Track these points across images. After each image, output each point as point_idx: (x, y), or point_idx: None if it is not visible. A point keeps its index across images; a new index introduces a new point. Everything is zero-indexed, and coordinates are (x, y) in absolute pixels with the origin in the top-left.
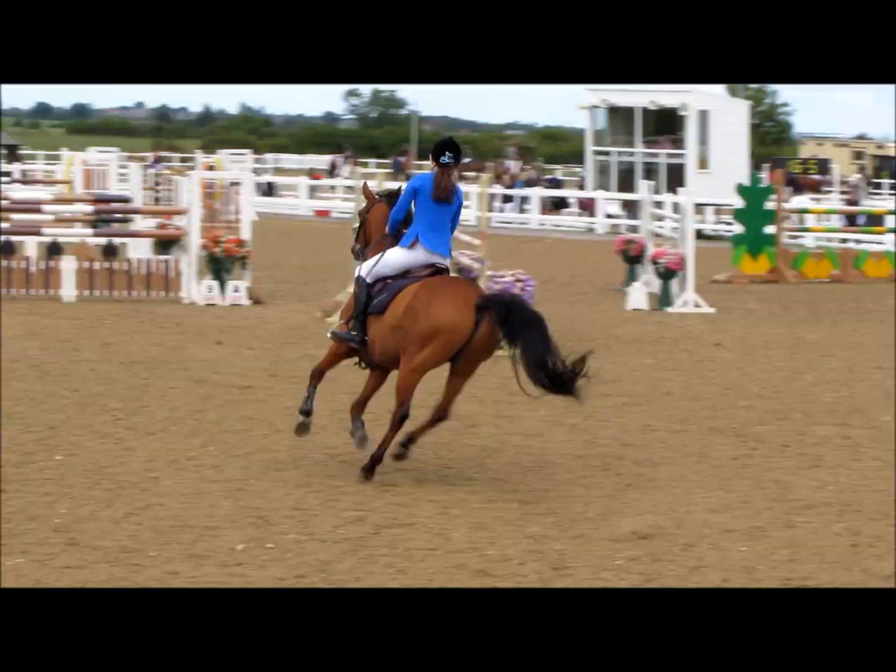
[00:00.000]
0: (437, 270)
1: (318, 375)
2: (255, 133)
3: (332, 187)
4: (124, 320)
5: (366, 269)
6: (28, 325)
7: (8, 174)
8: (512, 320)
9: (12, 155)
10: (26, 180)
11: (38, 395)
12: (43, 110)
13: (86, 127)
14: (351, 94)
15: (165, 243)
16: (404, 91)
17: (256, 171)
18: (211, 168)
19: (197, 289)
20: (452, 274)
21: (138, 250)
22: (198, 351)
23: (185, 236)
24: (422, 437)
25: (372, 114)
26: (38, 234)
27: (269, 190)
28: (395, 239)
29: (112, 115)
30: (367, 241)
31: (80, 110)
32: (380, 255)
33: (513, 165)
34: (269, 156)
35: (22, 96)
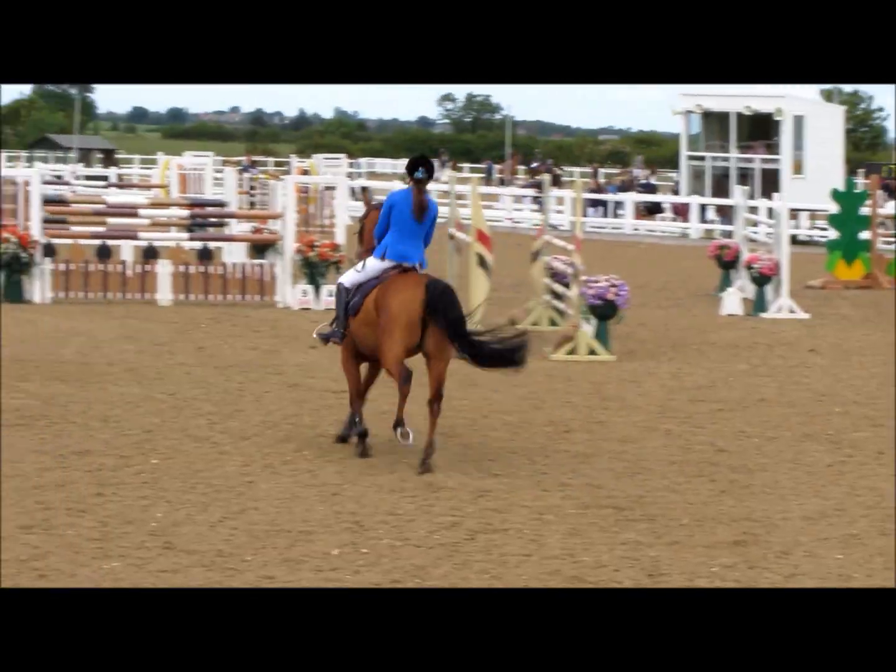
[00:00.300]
0: (403, 270)
1: (360, 396)
2: (350, 137)
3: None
4: (219, 324)
5: (346, 277)
6: (124, 328)
7: (104, 178)
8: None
9: (109, 159)
10: (122, 184)
11: (134, 399)
12: (139, 114)
13: (181, 131)
14: (445, 98)
15: (260, 247)
16: (498, 95)
17: (350, 176)
18: (305, 172)
19: (291, 293)
20: None
21: (233, 254)
22: (292, 355)
23: (279, 240)
24: (436, 428)
25: (466, 118)
26: (134, 238)
27: (363, 194)
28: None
29: (207, 119)
30: (365, 245)
31: (176, 114)
32: (359, 264)
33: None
34: (363, 160)
35: (118, 100)
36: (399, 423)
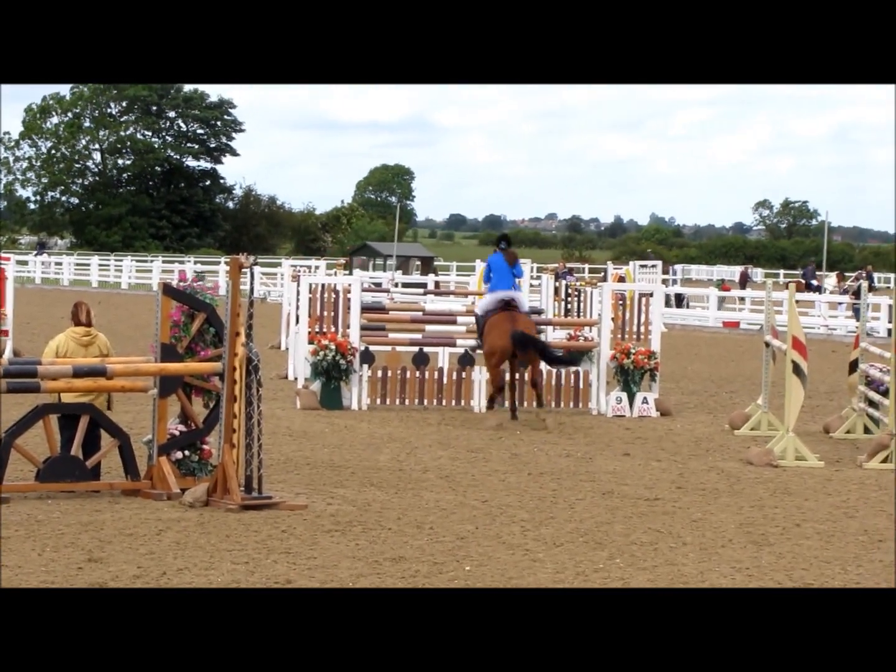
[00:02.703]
0: (505, 304)
1: (499, 391)
2: (664, 243)
3: (742, 299)
4: (534, 431)
5: (479, 309)
6: (439, 435)
7: (422, 285)
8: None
9: (427, 266)
10: (440, 291)
11: (448, 506)
12: (457, 222)
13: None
14: (761, 204)
15: (575, 354)
16: (815, 201)
17: (665, 282)
18: (621, 279)
19: (605, 400)
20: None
21: None
22: (605, 462)
23: (595, 347)
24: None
25: (781, 224)
26: (451, 345)
27: (677, 301)
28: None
29: (524, 225)
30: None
31: (493, 221)
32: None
33: None
34: (678, 266)
35: (437, 208)
36: (514, 407)
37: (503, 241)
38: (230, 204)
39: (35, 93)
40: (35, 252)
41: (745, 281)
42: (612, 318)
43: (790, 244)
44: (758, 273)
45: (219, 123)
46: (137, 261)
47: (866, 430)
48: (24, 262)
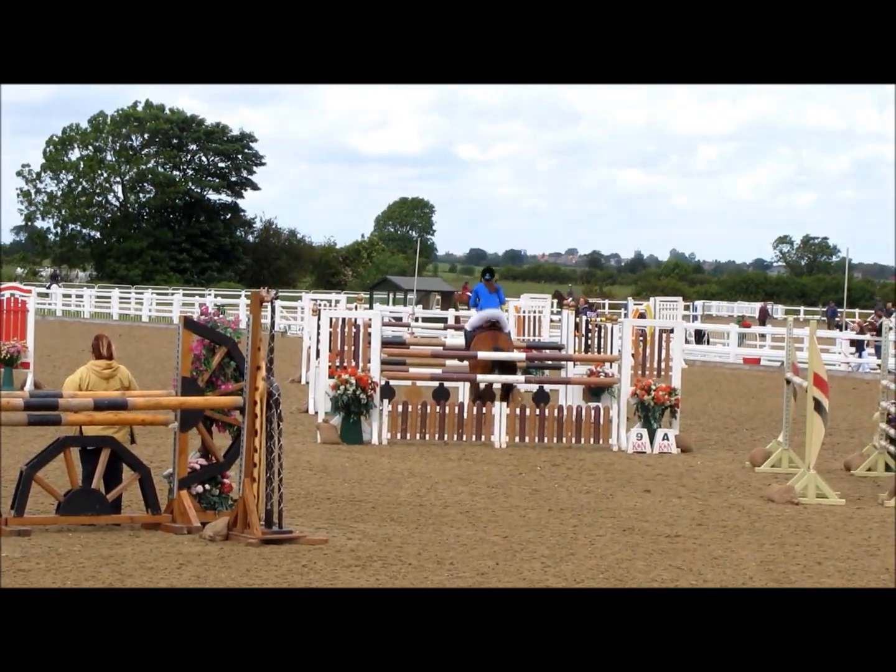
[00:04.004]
0: (491, 324)
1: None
2: (685, 279)
3: (762, 335)
4: (554, 466)
5: (468, 325)
6: (459, 470)
7: (443, 320)
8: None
9: (447, 301)
10: (459, 326)
11: (469, 541)
12: (477, 256)
13: (518, 273)
14: (781, 240)
15: (595, 390)
16: (836, 237)
17: (686, 318)
18: (642, 315)
19: (626, 436)
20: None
21: (569, 397)
22: (626, 499)
23: (616, 383)
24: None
25: (802, 260)
26: (472, 379)
27: (698, 337)
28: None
29: (544, 260)
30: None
31: (514, 256)
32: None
33: None
34: (698, 302)
35: (457, 242)
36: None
37: (487, 273)
38: (250, 237)
39: (56, 125)
40: (47, 284)
41: (765, 317)
42: (633, 354)
43: (811, 280)
44: (778, 309)
45: (240, 157)
46: (158, 293)
47: (887, 468)
48: (46, 295)
